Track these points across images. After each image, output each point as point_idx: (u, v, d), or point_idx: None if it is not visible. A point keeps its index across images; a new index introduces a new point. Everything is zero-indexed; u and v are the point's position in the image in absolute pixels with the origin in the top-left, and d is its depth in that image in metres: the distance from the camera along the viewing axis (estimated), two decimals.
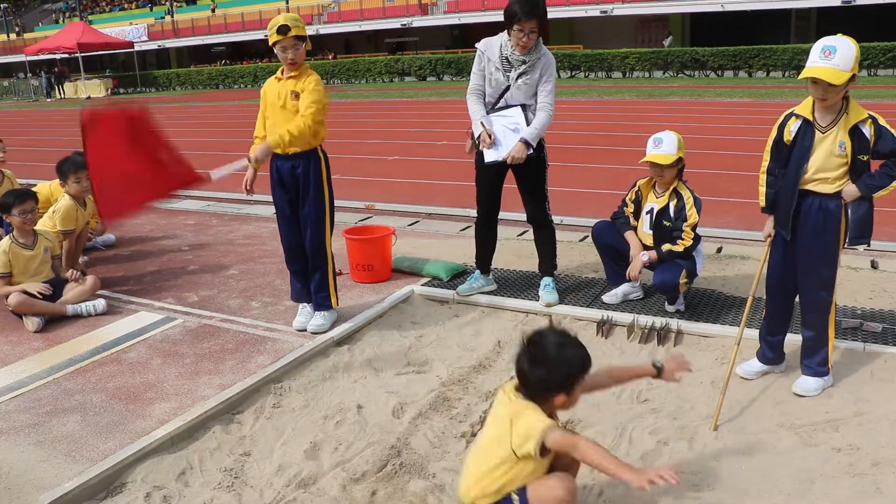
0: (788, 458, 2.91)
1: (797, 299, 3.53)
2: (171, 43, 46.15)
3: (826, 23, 31.41)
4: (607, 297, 4.54)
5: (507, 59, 4.16)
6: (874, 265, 5.09)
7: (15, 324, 4.61)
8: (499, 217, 4.65)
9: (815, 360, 3.43)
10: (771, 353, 3.61)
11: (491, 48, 4.22)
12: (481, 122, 4.23)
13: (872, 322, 4.05)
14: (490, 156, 4.20)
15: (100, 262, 6.00)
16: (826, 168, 3.22)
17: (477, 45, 4.31)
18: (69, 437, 3.22)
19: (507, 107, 4.24)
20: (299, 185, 4.07)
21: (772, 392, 3.45)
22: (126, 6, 53.89)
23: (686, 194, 4.24)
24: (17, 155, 11.38)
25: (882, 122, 3.17)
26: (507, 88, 4.22)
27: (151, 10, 50.78)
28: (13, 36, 52.76)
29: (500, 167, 4.33)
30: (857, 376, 3.52)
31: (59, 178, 5.42)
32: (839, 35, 3.07)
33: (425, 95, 23.72)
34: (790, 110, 3.34)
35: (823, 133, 3.21)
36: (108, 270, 5.73)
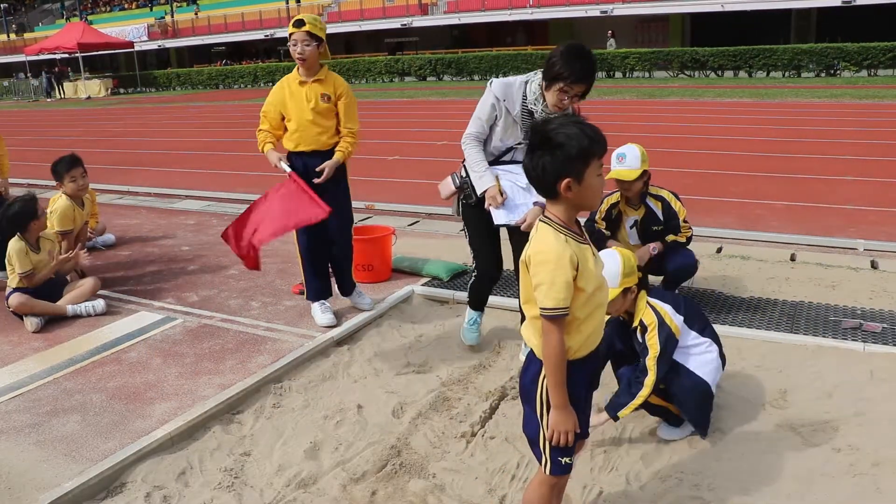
0: (788, 458, 2.91)
1: None
2: (171, 43, 46.16)
3: (826, 23, 31.44)
4: None
5: (529, 111, 3.54)
6: (874, 265, 5.08)
7: (15, 324, 4.62)
8: None
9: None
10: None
11: (511, 98, 3.53)
12: (496, 178, 3.58)
13: (872, 322, 4.05)
14: (500, 217, 3.54)
15: (100, 262, 6.00)
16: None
17: (492, 89, 3.58)
18: (69, 437, 3.22)
19: (513, 162, 3.63)
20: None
21: (772, 392, 3.45)
22: (126, 6, 53.89)
23: (664, 194, 4.28)
24: (17, 155, 11.37)
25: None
26: (520, 143, 3.60)
27: (151, 9, 50.79)
28: (13, 36, 52.76)
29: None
30: (857, 376, 3.52)
31: (55, 179, 5.41)
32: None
33: (425, 95, 23.73)
34: None
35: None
36: (108, 270, 5.74)
